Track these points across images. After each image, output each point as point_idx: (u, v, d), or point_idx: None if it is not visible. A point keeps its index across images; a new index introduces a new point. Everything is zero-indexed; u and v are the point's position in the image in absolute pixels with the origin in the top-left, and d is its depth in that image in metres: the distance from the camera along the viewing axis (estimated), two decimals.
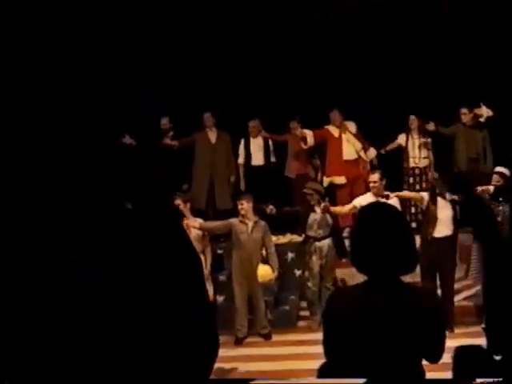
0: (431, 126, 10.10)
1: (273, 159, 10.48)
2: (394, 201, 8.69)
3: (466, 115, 10.03)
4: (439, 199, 8.16)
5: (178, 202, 8.18)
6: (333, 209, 8.73)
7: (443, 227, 8.07)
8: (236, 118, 10.38)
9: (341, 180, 10.07)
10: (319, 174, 10.39)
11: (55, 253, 1.22)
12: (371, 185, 8.54)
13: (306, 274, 8.64)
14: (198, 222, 8.28)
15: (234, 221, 8.39)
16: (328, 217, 8.67)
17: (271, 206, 9.10)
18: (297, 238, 9.37)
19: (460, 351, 3.72)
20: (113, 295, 1.25)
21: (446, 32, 10.23)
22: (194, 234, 8.11)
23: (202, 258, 8.20)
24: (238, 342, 8.16)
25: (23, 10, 9.97)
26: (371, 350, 2.72)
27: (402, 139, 10.31)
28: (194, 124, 10.37)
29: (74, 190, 1.24)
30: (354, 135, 10.16)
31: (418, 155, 10.16)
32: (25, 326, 1.24)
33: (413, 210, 9.73)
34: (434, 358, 2.87)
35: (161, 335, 1.29)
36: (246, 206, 8.30)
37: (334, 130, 10.20)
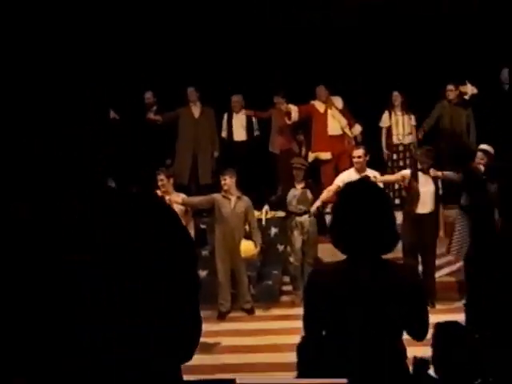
0: (419, 134, 10.15)
1: (256, 133, 10.40)
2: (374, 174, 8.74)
3: (452, 92, 10.01)
4: (421, 175, 8.19)
5: (162, 177, 8.17)
6: (321, 198, 8.75)
7: (425, 203, 8.12)
8: (220, 92, 10.32)
9: (326, 156, 10.06)
10: (304, 150, 10.36)
11: (55, 253, 1.22)
12: (355, 160, 8.57)
13: (289, 249, 8.68)
14: (181, 197, 8.28)
15: (217, 196, 8.40)
16: (308, 192, 8.68)
17: (266, 207, 9.19)
18: (280, 214, 9.43)
19: (440, 328, 3.78)
20: (112, 295, 1.25)
21: (435, 17, 10.24)
22: (176, 209, 8.11)
23: None
24: (221, 317, 8.22)
25: (22, 11, 9.87)
26: (353, 325, 2.74)
27: (386, 119, 10.29)
28: (178, 98, 10.30)
29: (74, 190, 1.23)
30: (340, 111, 10.12)
31: (401, 132, 10.17)
32: (24, 326, 1.24)
33: (396, 186, 9.79)
34: (420, 335, 2.90)
35: (160, 335, 1.30)
36: (229, 181, 8.30)
37: (319, 106, 10.16)
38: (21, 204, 1.24)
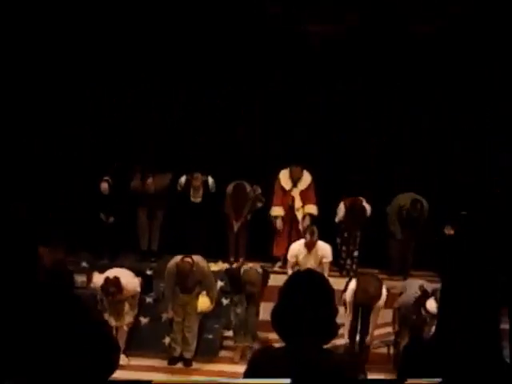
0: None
1: (213, 190, 10.21)
2: (324, 248, 9.01)
3: None
4: None
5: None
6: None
7: None
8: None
9: (279, 211, 10.22)
10: None
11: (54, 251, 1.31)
12: (307, 239, 9.03)
13: (236, 298, 8.61)
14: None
15: (171, 268, 8.31)
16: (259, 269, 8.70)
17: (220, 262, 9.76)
18: (228, 267, 9.54)
19: None
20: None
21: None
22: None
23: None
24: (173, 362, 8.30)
25: (23, 13, 9.84)
26: None
27: (343, 214, 10.09)
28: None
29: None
30: (304, 191, 10.18)
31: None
32: (23, 323, 1.31)
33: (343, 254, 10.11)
34: None
35: None
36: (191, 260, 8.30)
37: (286, 183, 10.20)
38: (21, 204, 1.32)
